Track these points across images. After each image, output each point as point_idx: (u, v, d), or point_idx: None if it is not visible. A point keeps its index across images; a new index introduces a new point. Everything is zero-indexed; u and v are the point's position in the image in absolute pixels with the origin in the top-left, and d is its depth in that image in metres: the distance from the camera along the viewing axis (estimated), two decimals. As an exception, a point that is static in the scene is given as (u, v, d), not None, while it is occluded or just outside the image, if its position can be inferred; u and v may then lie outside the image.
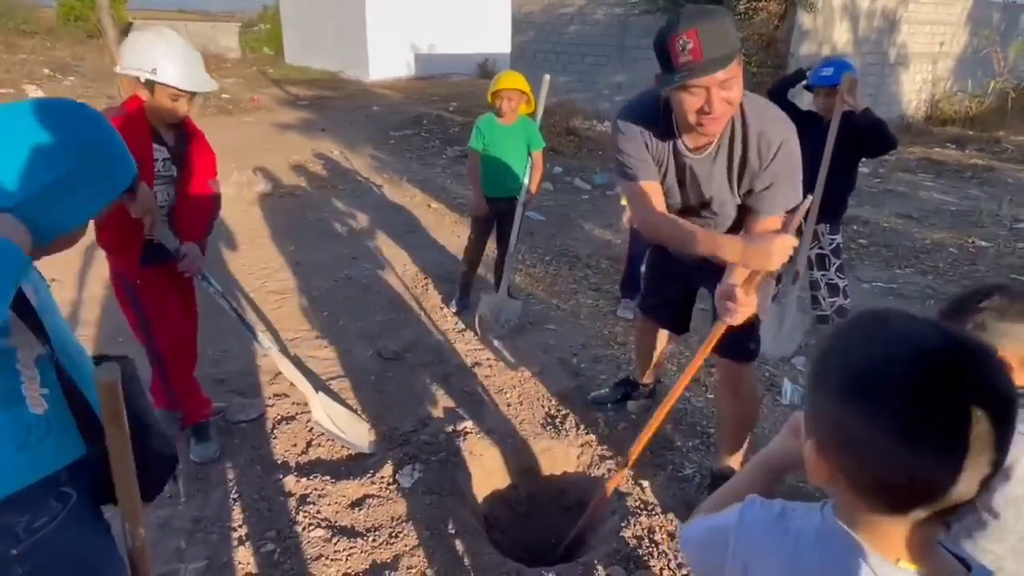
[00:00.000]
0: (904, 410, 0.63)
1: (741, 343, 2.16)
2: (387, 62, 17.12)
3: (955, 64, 11.92)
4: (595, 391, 3.08)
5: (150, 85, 2.19)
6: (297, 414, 2.86)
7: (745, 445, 2.30)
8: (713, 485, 2.32)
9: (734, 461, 2.32)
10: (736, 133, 1.82)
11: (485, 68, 17.33)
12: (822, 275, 3.44)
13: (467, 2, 17.73)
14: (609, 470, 2.58)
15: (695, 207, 2.03)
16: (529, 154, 3.70)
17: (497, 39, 16.11)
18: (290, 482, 2.42)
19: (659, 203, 1.98)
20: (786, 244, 1.68)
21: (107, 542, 1.28)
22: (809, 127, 3.37)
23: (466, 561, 2.10)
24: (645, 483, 2.48)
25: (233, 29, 25.19)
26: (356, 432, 2.68)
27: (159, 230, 2.26)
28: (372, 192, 6.79)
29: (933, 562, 0.71)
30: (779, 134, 1.79)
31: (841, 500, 0.74)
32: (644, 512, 2.31)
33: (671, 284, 2.47)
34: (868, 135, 3.09)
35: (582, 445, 2.72)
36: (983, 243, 5.46)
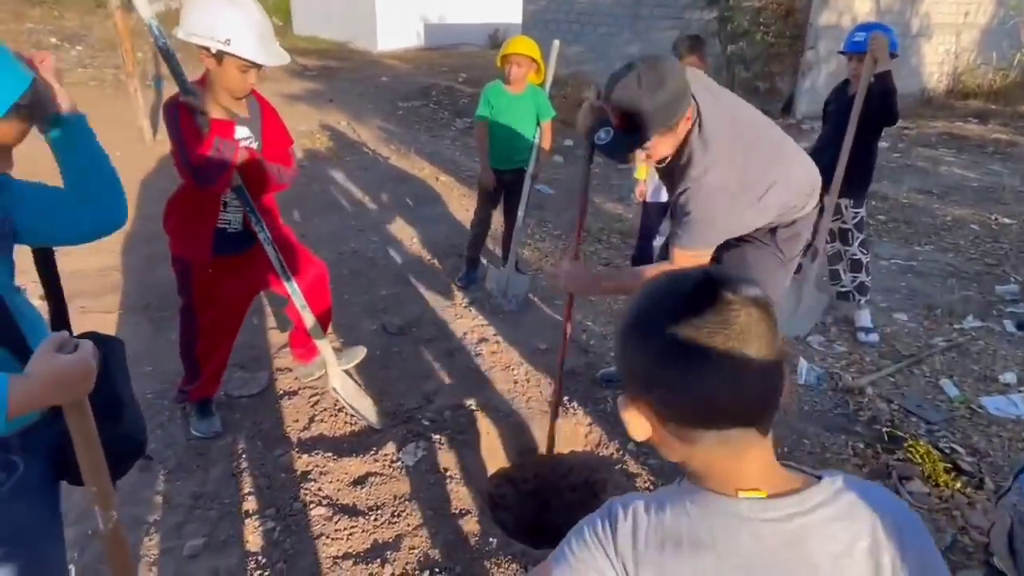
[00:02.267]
0: (672, 330, 0.67)
1: None
2: (396, 32, 16.82)
3: (980, 35, 11.53)
4: (604, 368, 3.01)
5: (219, 56, 2.01)
6: (300, 389, 2.81)
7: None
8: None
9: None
10: (683, 159, 1.86)
11: (495, 38, 16.99)
12: (844, 249, 3.33)
13: (477, -30, 17.33)
14: (618, 449, 2.51)
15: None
16: (538, 124, 3.58)
17: (508, 8, 15.77)
18: (292, 458, 2.38)
19: None
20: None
21: (51, 519, 1.24)
22: (837, 97, 3.23)
23: (470, 541, 2.05)
24: (654, 463, 2.41)
25: (240, -1, 24.85)
26: (366, 406, 2.63)
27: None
28: (379, 164, 6.68)
29: (775, 482, 0.72)
30: (704, 182, 1.81)
31: (675, 459, 0.75)
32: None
33: None
34: (873, 100, 2.93)
35: (590, 423, 2.66)
36: (1006, 220, 5.29)
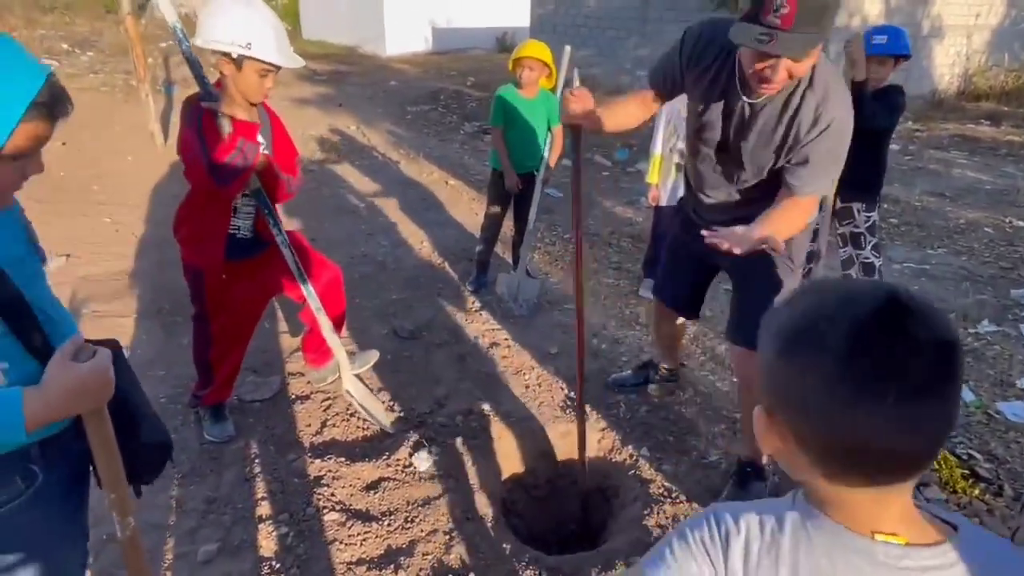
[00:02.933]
0: (843, 361, 0.60)
1: (750, 329, 2.05)
2: (404, 37, 16.88)
3: (991, 36, 11.45)
4: (615, 373, 2.99)
5: (238, 61, 2.01)
6: (312, 393, 2.81)
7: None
8: (739, 472, 2.23)
9: (759, 451, 2.23)
10: (796, 92, 1.72)
11: (504, 42, 17.02)
12: (857, 253, 3.30)
13: (485, -26, 17.37)
14: (631, 455, 2.50)
15: (729, 151, 1.93)
16: (549, 129, 3.57)
17: (516, 12, 15.80)
18: (304, 463, 2.38)
19: (633, 105, 2.09)
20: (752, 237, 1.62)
21: (70, 526, 1.24)
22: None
23: (484, 548, 2.04)
24: (668, 469, 2.40)
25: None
26: (378, 410, 2.63)
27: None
28: (389, 168, 6.69)
29: (914, 530, 0.66)
30: (835, 114, 1.69)
31: (801, 477, 0.70)
32: (668, 500, 2.24)
33: (689, 267, 2.36)
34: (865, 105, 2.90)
35: (602, 429, 2.65)
36: (1021, 223, 5.24)
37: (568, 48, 3.41)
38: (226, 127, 2.03)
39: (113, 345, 1.16)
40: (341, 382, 2.57)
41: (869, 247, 3.27)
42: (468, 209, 5.38)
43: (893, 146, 8.09)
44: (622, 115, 2.09)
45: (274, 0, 27.00)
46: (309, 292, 2.37)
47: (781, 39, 1.48)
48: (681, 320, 2.67)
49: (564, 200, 5.65)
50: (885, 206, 5.52)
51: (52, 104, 0.99)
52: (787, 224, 1.77)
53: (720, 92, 1.84)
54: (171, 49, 10.31)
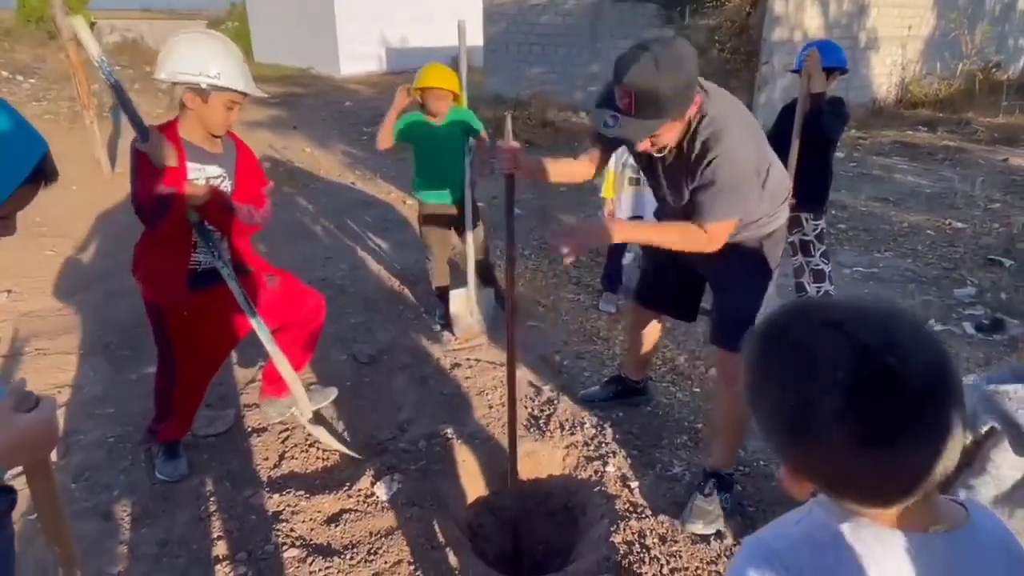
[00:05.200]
0: (854, 430, 0.62)
1: (735, 332, 2.09)
2: (358, 57, 16.85)
3: (924, 47, 12.00)
4: (581, 389, 2.99)
5: (204, 93, 2.02)
6: (269, 425, 2.73)
7: (739, 444, 2.22)
8: (705, 483, 2.25)
9: (725, 458, 2.25)
10: (689, 134, 1.85)
11: (458, 61, 17.14)
12: (807, 261, 3.39)
13: (437, -6, 17.47)
14: (596, 471, 2.49)
15: (662, 185, 2.08)
16: (469, 145, 3.41)
17: (469, 32, 15.93)
18: (262, 498, 2.30)
19: (580, 162, 2.25)
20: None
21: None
22: (787, 113, 3.32)
23: (450, 576, 2.00)
24: (634, 484, 2.40)
25: (199, 28, 24.65)
26: (340, 440, 2.58)
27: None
28: (345, 189, 6.63)
29: (945, 514, 0.72)
30: (721, 148, 1.80)
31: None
32: (634, 515, 2.23)
33: (669, 270, 2.39)
34: (815, 117, 3.03)
35: (567, 447, 2.63)
36: (959, 224, 5.47)
37: (508, 117, 3.24)
38: (159, 161, 1.99)
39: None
40: (299, 417, 2.51)
41: (819, 254, 3.36)
42: (427, 229, 5.35)
43: (839, 153, 8.36)
44: (567, 171, 2.27)
45: (224, 23, 26.72)
46: (259, 325, 2.28)
47: (624, 124, 1.70)
48: (656, 330, 2.68)
49: (523, 217, 5.68)
50: (833, 212, 5.70)
51: (49, 173, 1.06)
52: (679, 234, 1.98)
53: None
54: (117, 74, 10.09)
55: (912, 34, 11.66)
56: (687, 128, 1.83)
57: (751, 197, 1.92)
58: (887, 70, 11.45)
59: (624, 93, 1.65)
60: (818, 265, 3.37)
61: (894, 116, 10.43)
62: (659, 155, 1.92)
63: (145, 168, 1.99)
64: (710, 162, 1.80)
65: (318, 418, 2.60)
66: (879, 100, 11.19)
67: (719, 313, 2.21)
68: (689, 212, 1.98)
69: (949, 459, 0.65)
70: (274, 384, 2.64)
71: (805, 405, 0.64)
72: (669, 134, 1.79)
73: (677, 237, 1.99)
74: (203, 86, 2.00)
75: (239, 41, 22.68)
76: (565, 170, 2.24)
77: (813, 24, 9.55)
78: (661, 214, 2.37)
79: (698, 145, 1.83)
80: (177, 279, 2.19)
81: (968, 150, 8.30)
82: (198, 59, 1.99)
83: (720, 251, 2.05)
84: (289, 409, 2.59)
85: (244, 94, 2.09)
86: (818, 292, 3.41)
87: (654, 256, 2.47)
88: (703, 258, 2.01)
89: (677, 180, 1.97)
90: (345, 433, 2.73)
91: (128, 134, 2.26)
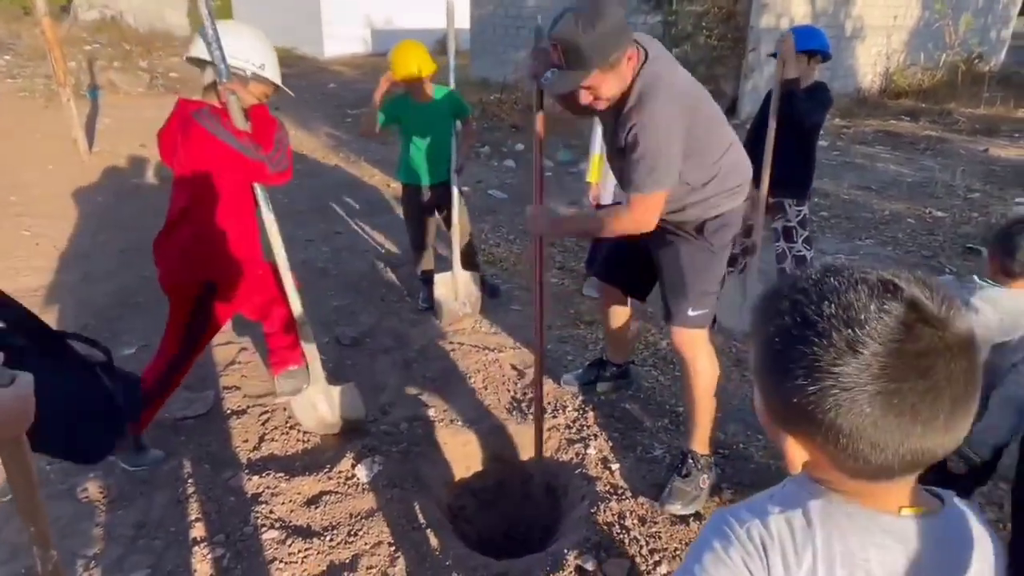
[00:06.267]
0: (879, 395, 0.59)
1: (678, 308, 2.17)
2: (342, 38, 16.60)
3: (909, 37, 12.06)
4: (564, 372, 3.00)
5: (243, 80, 2.14)
6: (249, 407, 2.71)
7: (710, 422, 2.24)
8: (683, 464, 2.26)
9: (699, 439, 2.27)
10: (626, 103, 1.91)
11: (444, 43, 16.96)
12: (789, 247, 3.41)
13: (424, -24, 17.25)
14: (578, 454, 2.50)
15: (614, 159, 2.14)
16: (455, 128, 3.38)
17: (456, 15, 15.76)
18: (241, 480, 2.29)
19: None
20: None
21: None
22: (770, 100, 3.32)
23: (431, 557, 2.01)
24: (615, 466, 2.41)
25: (181, 5, 24.05)
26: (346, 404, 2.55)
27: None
28: (329, 172, 6.56)
29: (921, 499, 0.71)
30: (640, 117, 1.84)
31: (821, 476, 0.71)
32: (614, 497, 2.25)
33: (624, 244, 2.39)
34: (792, 102, 3.03)
35: (549, 429, 2.64)
36: (939, 213, 5.53)
37: (449, 4, 3.29)
38: (244, 119, 2.10)
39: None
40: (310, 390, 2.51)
41: (800, 240, 3.38)
42: (411, 212, 5.31)
43: (822, 142, 8.40)
44: None
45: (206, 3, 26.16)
46: (290, 286, 2.40)
47: (558, 77, 1.83)
48: (628, 312, 2.69)
49: (508, 201, 5.66)
50: (816, 200, 5.74)
51: None
52: (607, 219, 2.10)
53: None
54: (96, 52, 9.85)
55: (897, 24, 11.71)
56: (625, 85, 1.89)
57: (673, 166, 1.89)
58: (872, 60, 11.50)
59: (552, 49, 1.79)
60: (800, 251, 3.39)
61: (878, 106, 10.50)
62: (601, 112, 1.99)
63: (234, 127, 2.09)
64: (631, 127, 1.85)
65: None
66: (863, 90, 11.25)
67: (664, 291, 2.23)
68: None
69: (961, 432, 0.63)
70: (277, 354, 2.67)
71: (844, 360, 0.60)
72: (604, 85, 1.85)
73: (603, 224, 2.10)
74: (248, 74, 2.14)
75: (222, 20, 22.29)
76: None
77: (800, 11, 9.55)
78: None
79: (628, 113, 1.88)
80: (253, 242, 2.34)
81: (949, 140, 8.39)
82: (248, 48, 2.14)
83: (664, 229, 2.10)
84: (303, 383, 2.58)
85: (278, 88, 2.26)
86: None
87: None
88: (649, 235, 2.06)
89: (616, 144, 2.00)
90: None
91: (106, 114, 2.22)
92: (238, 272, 2.32)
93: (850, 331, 0.60)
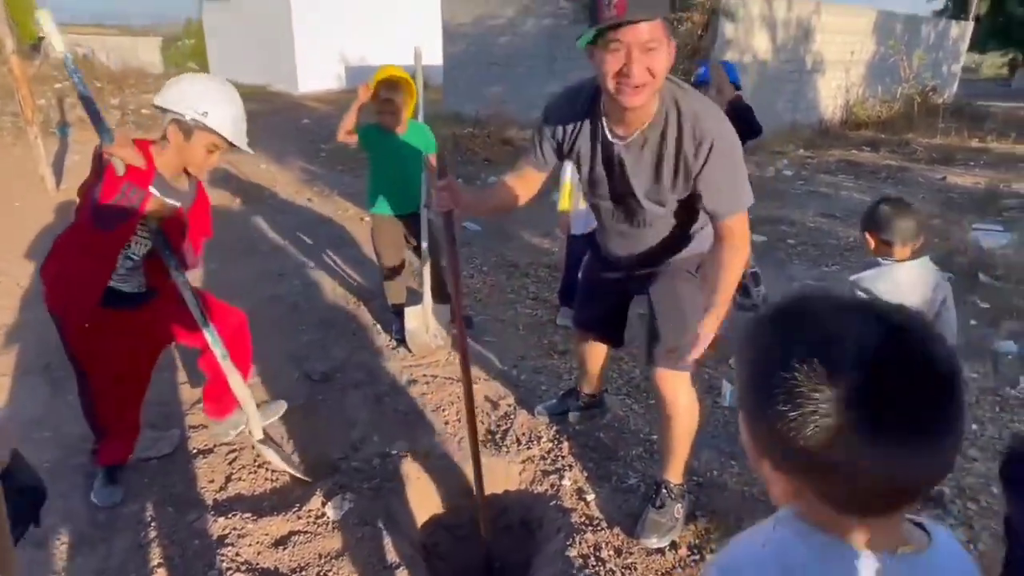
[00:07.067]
0: (858, 421, 0.58)
1: (676, 351, 2.10)
2: (317, 74, 16.74)
3: (866, 71, 12.57)
4: (539, 403, 2.98)
5: (188, 129, 2.00)
6: (215, 446, 2.64)
7: (686, 454, 2.24)
8: (657, 494, 2.25)
9: (674, 470, 2.26)
10: (670, 121, 1.75)
11: (414, 76, 17.16)
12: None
13: (398, 13, 17.56)
14: (552, 485, 2.48)
15: (624, 198, 1.95)
16: (425, 162, 3.39)
17: (428, 50, 16.03)
18: (206, 522, 2.22)
19: (513, 185, 2.08)
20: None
21: None
22: None
23: (402, 596, 1.96)
24: (590, 497, 2.39)
25: (155, 44, 24.12)
26: (290, 460, 2.51)
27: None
28: (301, 206, 6.54)
29: (913, 536, 0.70)
30: (715, 129, 1.72)
31: (808, 510, 0.69)
32: (589, 528, 2.22)
33: (605, 296, 2.40)
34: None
35: (523, 461, 2.62)
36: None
37: (417, 48, 3.39)
38: (119, 169, 1.93)
39: None
40: (250, 436, 2.44)
41: (752, 257, 3.47)
42: (384, 245, 5.30)
43: (787, 171, 8.64)
44: (504, 200, 2.10)
45: (180, 40, 26.26)
46: (213, 338, 2.24)
47: (634, 5, 1.50)
48: (605, 347, 2.69)
49: (481, 233, 5.69)
50: (782, 227, 5.87)
51: None
52: (735, 261, 1.79)
53: (596, 145, 1.87)
54: (66, 90, 9.78)
55: (855, 59, 12.19)
56: (666, 71, 1.66)
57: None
58: (832, 92, 11.93)
59: None
60: (754, 267, 3.48)
61: (839, 136, 10.85)
62: (628, 140, 1.79)
63: (110, 172, 1.93)
64: (710, 148, 1.69)
65: (268, 438, 2.52)
66: (826, 120, 11.64)
67: (665, 333, 2.07)
68: (658, 222, 1.95)
69: (948, 464, 0.62)
70: (216, 403, 2.56)
71: (824, 385, 0.59)
72: (663, 51, 1.59)
73: (734, 276, 1.80)
74: (187, 119, 1.99)
75: (195, 58, 22.36)
76: (502, 199, 2.09)
77: (762, 47, 9.90)
78: (607, 234, 2.19)
79: (688, 132, 1.71)
80: (89, 292, 2.09)
81: (909, 169, 8.68)
82: (194, 94, 2.00)
83: (661, 271, 2.06)
84: (239, 427, 2.52)
85: (229, 143, 2.08)
86: (759, 295, 3.51)
87: (591, 276, 2.46)
88: (643, 275, 1.98)
89: (655, 182, 1.83)
90: (296, 453, 2.66)
91: (75, 151, 2.19)
92: (73, 314, 2.14)
93: (830, 357, 0.59)
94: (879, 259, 2.19)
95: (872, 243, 2.21)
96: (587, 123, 1.87)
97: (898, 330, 0.60)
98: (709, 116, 1.73)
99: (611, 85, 1.64)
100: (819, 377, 0.59)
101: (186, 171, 2.17)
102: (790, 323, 0.65)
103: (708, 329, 1.72)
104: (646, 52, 1.57)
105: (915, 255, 2.19)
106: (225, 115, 2.04)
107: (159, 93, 2.04)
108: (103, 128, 1.95)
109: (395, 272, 3.66)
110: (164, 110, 2.02)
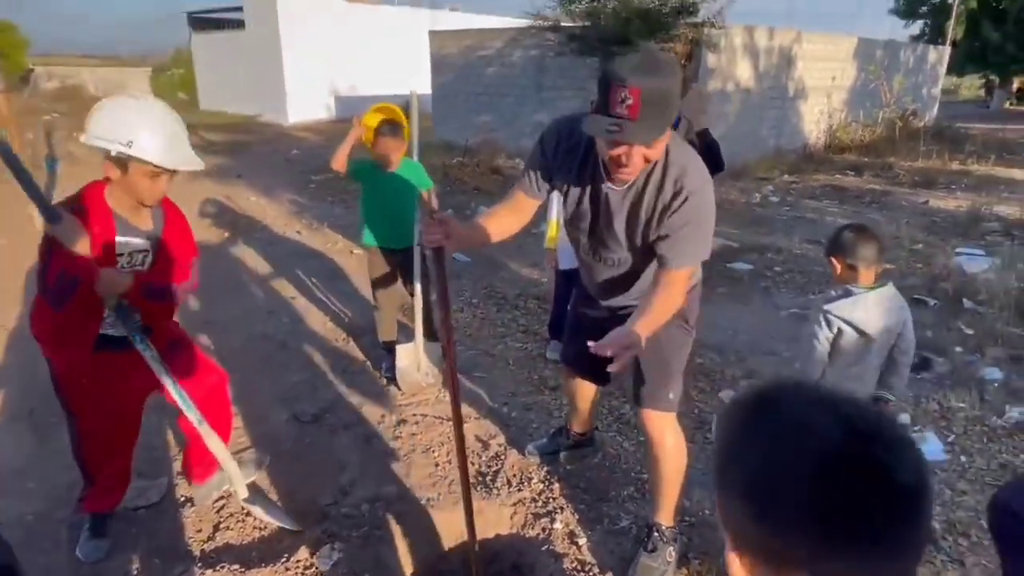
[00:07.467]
0: (810, 523, 0.58)
1: (658, 392, 2.11)
2: (306, 105, 16.88)
3: (848, 96, 12.81)
4: (529, 441, 2.97)
5: (122, 162, 1.87)
6: (203, 494, 2.61)
7: (677, 496, 2.23)
8: (649, 537, 2.24)
9: (665, 512, 2.25)
10: (656, 170, 1.78)
11: (407, 110, 17.33)
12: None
13: (387, 44, 17.79)
14: (544, 528, 2.46)
15: (602, 236, 1.98)
16: (418, 198, 3.44)
17: (418, 80, 16.22)
18: (193, 575, 2.18)
19: (505, 214, 2.07)
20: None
21: None
22: None
23: (392, 650, 1.93)
24: (581, 541, 2.38)
25: (143, 74, 24.30)
26: (279, 514, 2.47)
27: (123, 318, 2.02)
28: (291, 239, 6.55)
29: None
30: (694, 185, 1.76)
31: None
32: (581, 574, 2.21)
33: (591, 332, 2.40)
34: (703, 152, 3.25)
35: (515, 503, 2.60)
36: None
37: (414, 90, 3.41)
38: (70, 246, 1.83)
39: None
40: (235, 494, 2.39)
41: None
42: (374, 279, 5.30)
43: (773, 198, 8.74)
44: (498, 230, 2.06)
45: (169, 70, 26.40)
46: (187, 405, 2.16)
47: (628, 129, 1.53)
48: (595, 386, 2.68)
49: (471, 264, 5.70)
50: (768, 255, 5.92)
51: None
52: (666, 303, 1.82)
53: (587, 181, 1.89)
54: (55, 123, 9.81)
55: (836, 84, 12.43)
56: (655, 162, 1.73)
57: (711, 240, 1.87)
58: (815, 118, 12.14)
59: (630, 94, 1.48)
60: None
61: (824, 161, 11.01)
62: (622, 189, 1.81)
63: (58, 249, 1.84)
64: (684, 200, 1.73)
65: (254, 489, 2.49)
66: (810, 146, 11.82)
67: (647, 375, 2.12)
68: (633, 263, 1.98)
69: (907, 564, 0.61)
70: (199, 466, 2.45)
71: (782, 468, 0.59)
72: (662, 144, 1.65)
73: (660, 320, 1.82)
74: (112, 153, 1.85)
75: (184, 88, 22.48)
76: (494, 230, 2.07)
77: (745, 75, 10.07)
78: (585, 269, 2.22)
79: (670, 181, 1.74)
80: (82, 343, 2.07)
81: (892, 193, 8.81)
82: (113, 124, 1.84)
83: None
84: (223, 486, 2.45)
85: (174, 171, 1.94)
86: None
87: (577, 313, 2.47)
88: (627, 316, 2.00)
89: (634, 226, 1.86)
90: (285, 500, 2.63)
91: (64, 186, 2.17)
92: (71, 358, 2.12)
93: (792, 456, 0.59)
94: (848, 286, 2.25)
95: (838, 268, 2.28)
96: (585, 160, 1.88)
97: (864, 436, 0.59)
98: (696, 174, 1.76)
99: (608, 162, 1.73)
100: (779, 467, 0.60)
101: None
102: (759, 412, 0.65)
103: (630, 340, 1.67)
104: (647, 149, 1.64)
105: (878, 278, 2.25)
106: (151, 139, 1.86)
107: (86, 129, 1.88)
108: (43, 204, 1.79)
109: (388, 307, 3.66)
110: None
